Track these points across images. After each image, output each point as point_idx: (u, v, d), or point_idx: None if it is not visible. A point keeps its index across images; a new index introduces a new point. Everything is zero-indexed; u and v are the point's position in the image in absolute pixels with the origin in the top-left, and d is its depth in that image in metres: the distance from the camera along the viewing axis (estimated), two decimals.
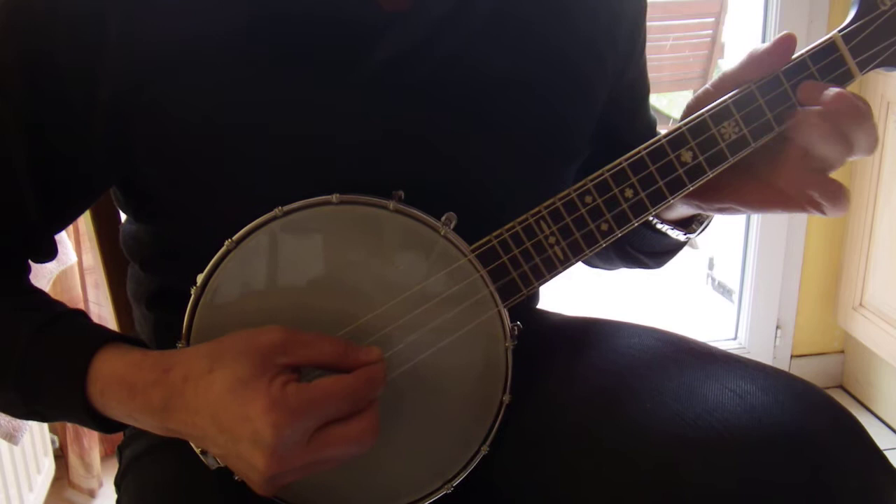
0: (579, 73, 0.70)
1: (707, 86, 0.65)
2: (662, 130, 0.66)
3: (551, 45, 0.68)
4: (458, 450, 0.64)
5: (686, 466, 0.56)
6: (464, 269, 0.61)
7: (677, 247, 0.79)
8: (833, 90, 0.59)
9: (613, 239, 0.63)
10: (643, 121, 0.81)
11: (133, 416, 0.58)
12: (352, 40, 0.61)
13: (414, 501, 0.64)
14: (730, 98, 0.62)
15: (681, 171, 0.63)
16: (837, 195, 0.62)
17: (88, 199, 0.70)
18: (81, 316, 0.63)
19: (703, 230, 0.75)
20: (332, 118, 0.62)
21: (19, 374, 0.59)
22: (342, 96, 0.62)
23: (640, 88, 0.80)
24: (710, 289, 2.66)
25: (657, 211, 0.64)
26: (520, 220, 0.62)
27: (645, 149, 0.62)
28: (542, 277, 0.63)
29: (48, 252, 0.68)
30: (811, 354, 2.09)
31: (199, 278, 0.59)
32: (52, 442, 1.73)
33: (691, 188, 0.63)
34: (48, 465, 1.64)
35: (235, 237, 0.58)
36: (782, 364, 2.06)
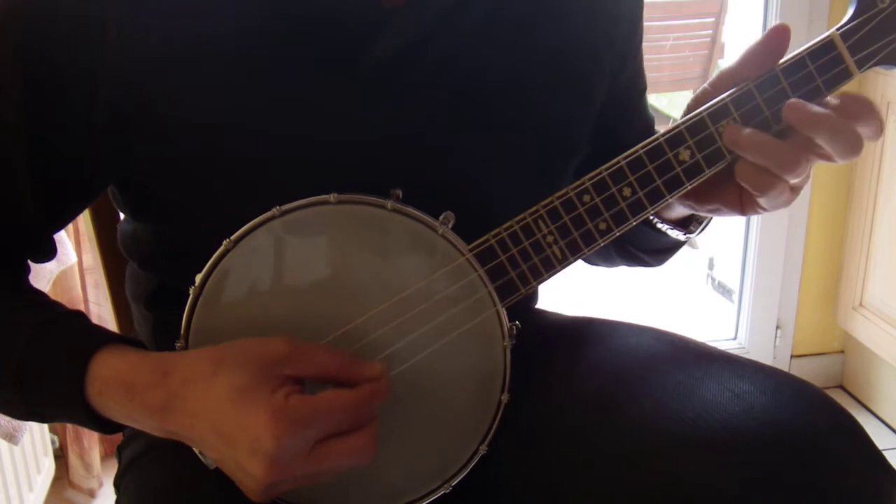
0: (577, 73, 0.70)
1: (705, 85, 0.65)
2: (661, 130, 0.66)
3: (549, 45, 0.68)
4: (456, 449, 0.64)
5: (685, 466, 0.56)
6: (462, 269, 0.61)
7: (677, 245, 0.79)
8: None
9: (612, 238, 0.63)
10: (641, 119, 0.81)
11: (132, 416, 0.58)
12: (351, 38, 0.61)
13: (413, 500, 0.64)
14: (728, 96, 0.62)
15: (679, 169, 0.62)
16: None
17: (87, 198, 0.70)
18: (80, 317, 0.63)
19: (702, 230, 0.75)
20: (330, 118, 0.62)
21: (18, 375, 0.59)
22: (341, 96, 0.62)
23: (638, 87, 0.80)
24: (710, 289, 2.66)
25: (655, 209, 0.64)
26: (518, 219, 0.62)
27: (643, 147, 0.62)
28: (541, 277, 0.63)
29: (47, 251, 0.68)
30: (811, 354, 2.09)
31: (198, 278, 0.59)
32: (52, 442, 1.73)
33: (689, 187, 0.63)
34: (48, 465, 1.64)
35: (234, 236, 0.58)
36: (782, 364, 2.06)
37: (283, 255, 0.60)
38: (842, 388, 2.09)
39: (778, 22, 1.81)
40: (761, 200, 0.63)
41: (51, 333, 0.60)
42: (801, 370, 2.06)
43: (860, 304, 1.92)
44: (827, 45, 0.61)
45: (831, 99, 0.61)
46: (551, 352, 0.71)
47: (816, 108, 0.59)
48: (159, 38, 0.59)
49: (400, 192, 0.60)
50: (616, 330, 0.71)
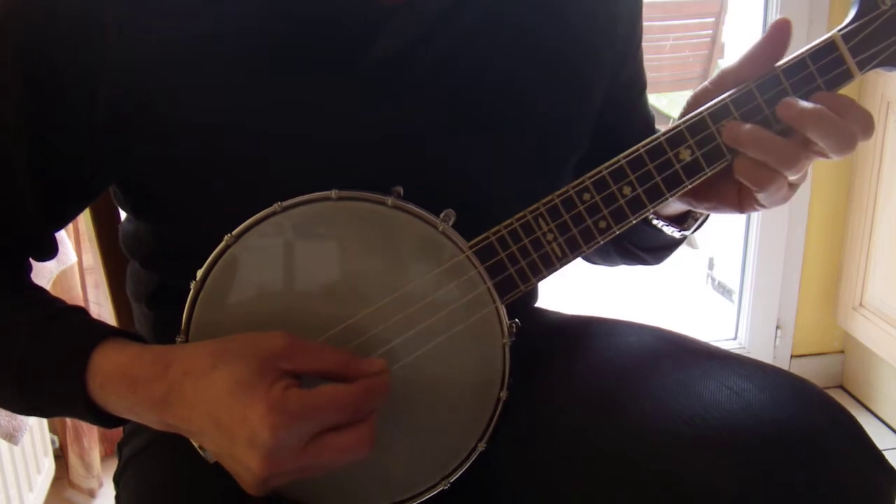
0: (576, 72, 0.70)
1: (706, 83, 0.65)
2: (662, 129, 0.66)
3: (548, 45, 0.68)
4: (455, 446, 0.64)
5: (684, 465, 0.56)
6: (462, 266, 0.61)
7: (675, 243, 0.79)
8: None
9: (611, 236, 0.64)
10: (641, 118, 0.81)
11: (133, 409, 0.58)
12: (351, 38, 0.61)
13: (412, 497, 0.64)
14: (728, 96, 0.62)
15: (678, 168, 0.63)
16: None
17: (88, 197, 0.70)
18: (81, 312, 0.63)
19: (698, 227, 0.75)
20: (330, 118, 0.62)
21: (19, 370, 0.59)
22: (341, 96, 0.62)
23: (637, 85, 0.80)
24: (710, 289, 2.66)
25: (655, 208, 0.64)
26: (518, 216, 0.62)
27: (643, 146, 0.62)
28: (540, 274, 0.63)
29: (48, 250, 0.68)
30: (811, 354, 2.09)
31: (199, 273, 0.59)
32: (52, 442, 1.73)
33: (689, 186, 0.63)
34: (48, 465, 1.64)
35: (235, 232, 0.59)
36: (782, 364, 2.06)
37: (284, 252, 0.60)
38: (842, 388, 2.09)
39: None
40: (760, 196, 0.63)
41: (51, 329, 0.60)
42: (801, 370, 2.06)
43: (860, 304, 1.92)
44: (828, 46, 0.62)
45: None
46: (551, 350, 0.71)
47: (806, 104, 0.60)
48: (159, 38, 0.59)
49: (401, 190, 0.60)
50: (616, 329, 0.72)
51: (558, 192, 0.63)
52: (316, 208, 0.59)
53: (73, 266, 1.55)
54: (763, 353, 2.05)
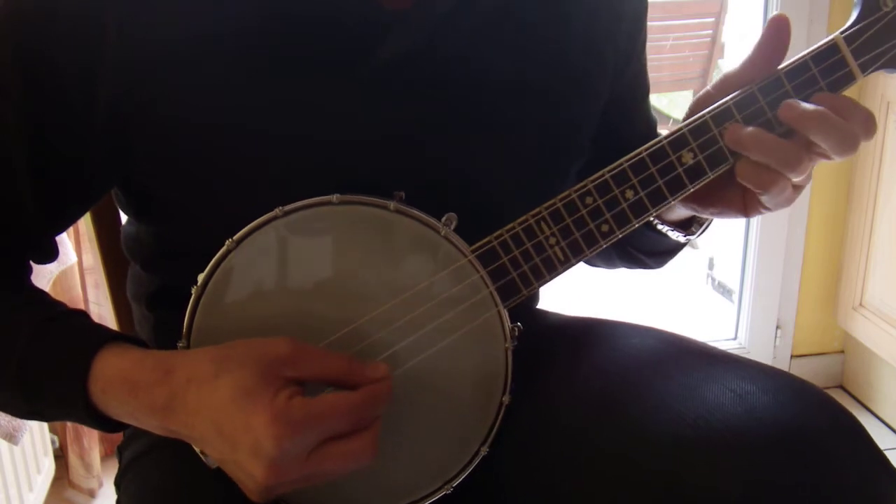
0: (580, 73, 0.70)
1: (708, 87, 0.65)
2: (662, 130, 0.66)
3: (553, 45, 0.68)
4: (457, 450, 0.64)
5: (687, 467, 0.56)
6: (464, 270, 0.61)
7: (677, 247, 0.79)
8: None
9: (614, 240, 0.63)
10: (643, 120, 0.81)
11: (134, 414, 0.58)
12: (353, 40, 0.61)
13: (414, 501, 0.64)
14: (731, 99, 0.62)
15: (681, 171, 0.63)
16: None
17: (89, 199, 0.70)
18: (82, 315, 0.63)
19: (702, 232, 0.75)
20: (333, 118, 0.62)
21: (20, 373, 0.59)
22: (343, 96, 0.62)
23: (641, 87, 0.80)
24: (710, 289, 2.67)
25: (658, 212, 0.64)
26: (520, 220, 0.62)
27: (646, 150, 0.62)
28: (543, 278, 0.63)
29: (49, 252, 0.68)
30: (811, 354, 2.09)
31: (200, 277, 0.59)
32: (52, 442, 1.73)
33: (692, 189, 0.63)
34: (48, 465, 1.64)
35: (236, 236, 0.58)
36: (782, 364, 2.06)
37: (285, 256, 0.60)
38: (842, 388, 2.09)
39: None
40: (764, 199, 0.63)
41: (52, 332, 0.60)
42: (801, 370, 2.06)
43: (860, 304, 1.92)
44: (831, 49, 0.61)
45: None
46: (553, 352, 0.71)
47: (808, 106, 0.60)
48: (159, 38, 0.59)
49: (403, 194, 0.60)
50: (617, 330, 0.71)
51: (560, 196, 0.63)
52: (317, 212, 0.59)
53: (73, 266, 1.55)
54: (763, 353, 2.05)
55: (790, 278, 2.01)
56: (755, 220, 1.99)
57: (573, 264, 0.64)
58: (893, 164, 1.79)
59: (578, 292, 2.44)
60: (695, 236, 0.75)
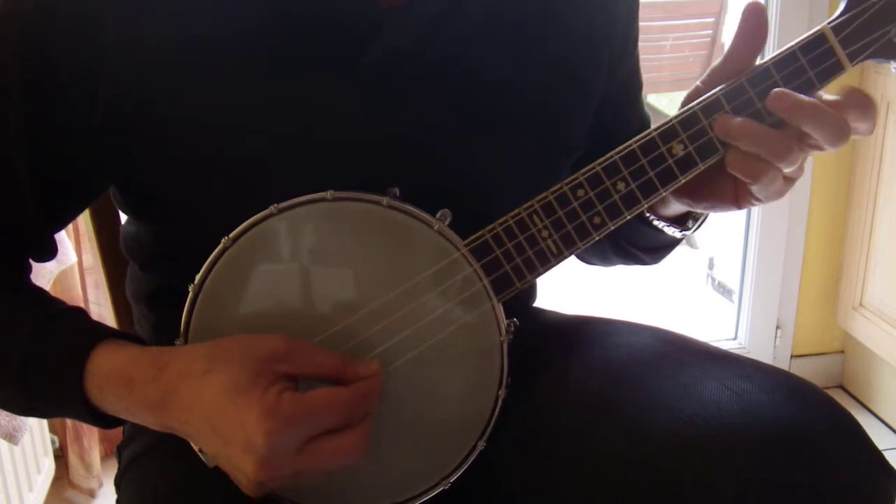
0: (574, 71, 0.70)
1: (697, 83, 0.65)
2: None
3: (547, 45, 0.68)
4: (455, 446, 0.64)
5: (684, 465, 0.56)
6: (457, 264, 0.61)
7: (673, 243, 0.79)
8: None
9: (606, 232, 0.63)
10: (637, 118, 0.81)
11: (130, 410, 0.58)
12: (350, 39, 0.61)
13: (412, 497, 0.64)
14: (720, 91, 0.62)
15: (671, 162, 0.63)
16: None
17: (88, 198, 0.70)
18: (81, 313, 0.63)
19: (698, 227, 0.75)
20: (329, 117, 0.62)
21: (19, 371, 0.59)
22: (340, 96, 0.62)
23: (634, 85, 0.80)
24: (710, 289, 2.67)
25: (650, 203, 0.64)
26: (512, 214, 0.62)
27: (636, 141, 0.62)
28: (536, 270, 0.63)
29: (48, 251, 0.68)
30: (811, 354, 2.09)
31: (197, 276, 0.59)
32: (52, 442, 1.73)
33: (683, 180, 0.63)
34: (48, 465, 1.64)
35: (232, 234, 0.59)
36: (782, 364, 2.06)
37: (281, 253, 0.60)
38: (842, 388, 2.09)
39: (777, 22, 1.82)
40: (754, 189, 0.63)
41: (51, 331, 0.60)
42: (801, 370, 2.06)
43: (860, 304, 1.92)
44: (818, 39, 0.61)
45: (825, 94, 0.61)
46: (550, 350, 0.71)
47: (799, 96, 0.59)
48: (159, 38, 0.59)
49: (397, 190, 0.60)
50: (615, 328, 0.72)
51: (552, 189, 0.63)
52: (312, 209, 0.59)
53: (73, 266, 1.55)
54: (763, 353, 2.05)
55: (790, 278, 2.01)
56: (755, 220, 1.99)
57: (566, 257, 0.64)
58: (893, 164, 1.79)
59: (576, 291, 2.44)
60: (690, 231, 0.75)
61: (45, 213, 0.66)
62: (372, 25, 0.62)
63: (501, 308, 0.62)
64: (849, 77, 0.63)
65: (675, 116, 0.63)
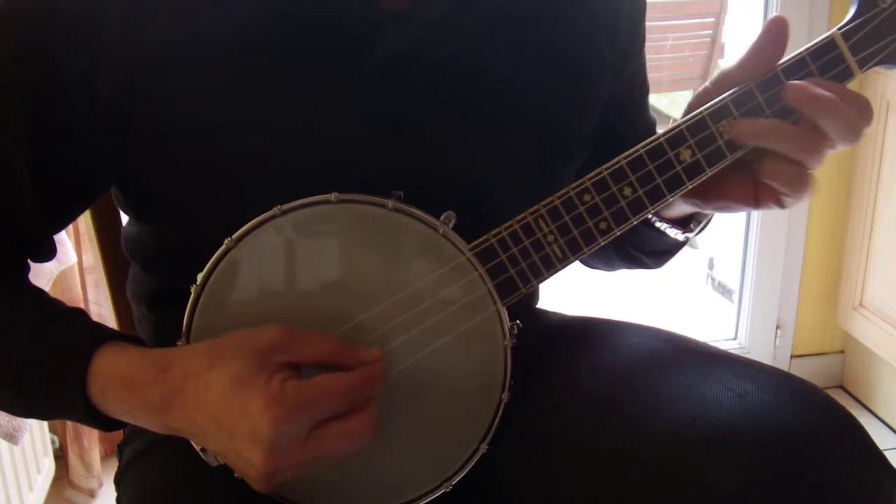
0: (578, 72, 0.70)
1: (706, 84, 0.65)
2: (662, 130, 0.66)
3: (551, 45, 0.68)
4: (457, 448, 0.64)
5: (686, 466, 0.56)
6: (462, 268, 0.61)
7: (676, 246, 0.79)
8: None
9: (612, 237, 0.63)
10: (643, 120, 0.81)
11: (133, 413, 0.58)
12: (352, 39, 0.61)
13: (413, 499, 0.64)
14: (728, 96, 0.62)
15: (679, 169, 0.62)
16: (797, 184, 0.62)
17: (88, 198, 0.70)
18: (81, 314, 0.63)
19: (702, 229, 0.75)
20: (331, 118, 0.62)
21: (19, 373, 0.59)
22: (342, 96, 0.62)
23: (640, 87, 0.80)
24: (710, 289, 2.67)
25: (656, 209, 0.64)
26: (518, 218, 0.62)
27: (643, 147, 0.62)
28: (541, 275, 0.63)
29: (47, 251, 0.68)
30: (811, 354, 2.09)
31: (199, 277, 0.59)
32: (52, 442, 1.73)
33: (690, 186, 0.63)
34: (48, 465, 1.64)
35: (235, 235, 0.59)
36: (782, 364, 2.06)
37: (284, 255, 0.60)
38: (842, 388, 2.10)
39: None
40: (787, 200, 0.63)
41: (51, 332, 0.60)
42: (801, 370, 2.06)
43: (860, 304, 1.92)
44: (828, 45, 0.61)
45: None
46: (552, 351, 0.71)
47: (819, 90, 0.59)
48: (159, 38, 0.59)
49: (401, 193, 0.60)
50: (617, 329, 0.72)
51: (558, 194, 0.63)
52: (316, 211, 0.59)
53: (73, 266, 1.55)
54: (763, 353, 2.05)
55: (790, 278, 2.01)
56: (755, 221, 1.99)
57: (571, 262, 0.64)
58: (893, 164, 1.79)
59: (578, 292, 2.44)
60: (693, 234, 0.75)
61: (45, 214, 0.65)
62: (373, 26, 0.62)
63: (506, 312, 0.62)
64: None
65: (683, 122, 0.62)
